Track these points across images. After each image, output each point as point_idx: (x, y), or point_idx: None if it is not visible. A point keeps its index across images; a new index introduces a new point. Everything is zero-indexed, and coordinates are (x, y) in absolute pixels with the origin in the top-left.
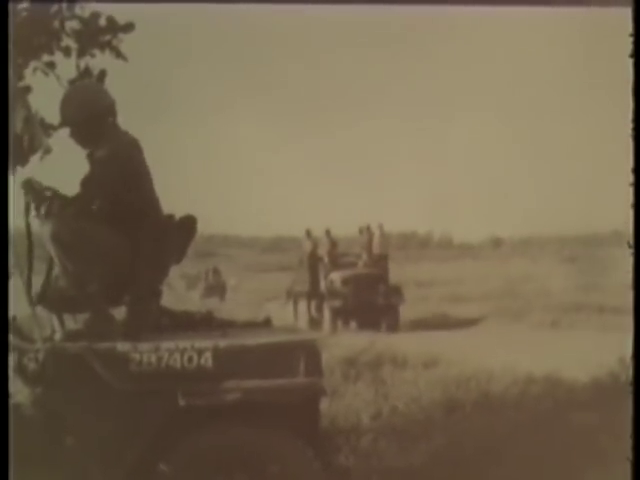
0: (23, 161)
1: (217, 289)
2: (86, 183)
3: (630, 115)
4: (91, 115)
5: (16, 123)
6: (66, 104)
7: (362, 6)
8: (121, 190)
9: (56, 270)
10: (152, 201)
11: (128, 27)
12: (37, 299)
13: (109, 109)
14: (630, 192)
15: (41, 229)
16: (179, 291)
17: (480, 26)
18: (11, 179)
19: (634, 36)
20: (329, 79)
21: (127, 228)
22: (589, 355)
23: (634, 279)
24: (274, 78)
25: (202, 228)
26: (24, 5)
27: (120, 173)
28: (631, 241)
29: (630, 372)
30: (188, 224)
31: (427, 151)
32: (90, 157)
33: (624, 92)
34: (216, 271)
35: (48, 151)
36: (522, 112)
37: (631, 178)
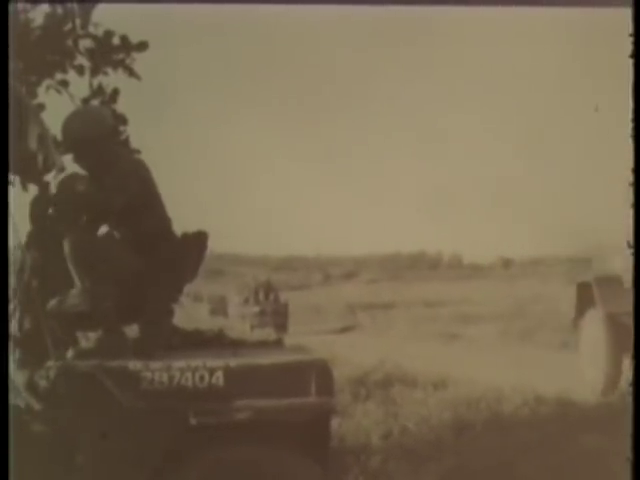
0: (37, 180)
1: (275, 315)
2: (97, 211)
3: (630, 115)
4: (92, 139)
5: (30, 141)
6: (67, 129)
7: (364, 7)
8: (133, 214)
9: (70, 287)
10: (163, 220)
11: (141, 46)
12: (49, 316)
13: (112, 133)
14: (630, 192)
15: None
16: (199, 315)
17: (480, 26)
18: (23, 197)
19: (634, 36)
20: (335, 90)
21: (142, 247)
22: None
23: (634, 279)
24: (285, 94)
25: (212, 247)
26: (37, 24)
27: (131, 199)
28: (631, 241)
29: (630, 373)
30: (199, 240)
31: (436, 172)
32: (98, 184)
33: (624, 92)
34: (270, 287)
35: (62, 170)
36: (522, 115)
37: (631, 178)
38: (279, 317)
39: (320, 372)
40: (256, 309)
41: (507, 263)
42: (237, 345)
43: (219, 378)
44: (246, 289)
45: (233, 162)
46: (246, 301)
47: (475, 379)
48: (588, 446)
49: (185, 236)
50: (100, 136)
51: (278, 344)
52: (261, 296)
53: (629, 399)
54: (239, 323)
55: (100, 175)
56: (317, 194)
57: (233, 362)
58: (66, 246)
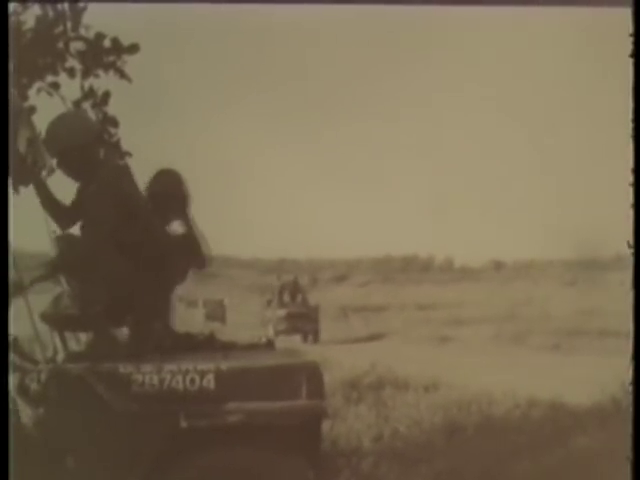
0: (27, 182)
1: (304, 319)
2: (84, 224)
3: (630, 115)
4: (75, 146)
5: (20, 143)
6: (50, 135)
7: (364, 8)
8: (119, 220)
9: (61, 290)
10: (151, 223)
11: (132, 48)
12: (42, 318)
13: (96, 139)
14: (630, 192)
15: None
16: (194, 321)
17: (480, 26)
18: (15, 198)
19: (634, 36)
20: (329, 93)
21: (130, 250)
22: (590, 379)
23: (634, 279)
24: (278, 96)
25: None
26: (28, 26)
27: (115, 206)
28: (631, 241)
29: (630, 373)
30: (188, 241)
31: (429, 174)
32: (81, 193)
33: (624, 92)
34: (297, 288)
35: (52, 172)
36: (522, 116)
37: (631, 178)
38: (309, 322)
39: (311, 375)
40: (281, 313)
41: (499, 266)
42: (228, 348)
43: (210, 381)
44: (268, 290)
45: (224, 165)
46: (269, 303)
47: (467, 382)
48: (580, 449)
49: (172, 236)
50: (83, 143)
51: (269, 347)
52: (286, 298)
53: (629, 399)
54: (261, 329)
55: (83, 181)
56: (309, 197)
57: (224, 365)
58: (55, 249)
